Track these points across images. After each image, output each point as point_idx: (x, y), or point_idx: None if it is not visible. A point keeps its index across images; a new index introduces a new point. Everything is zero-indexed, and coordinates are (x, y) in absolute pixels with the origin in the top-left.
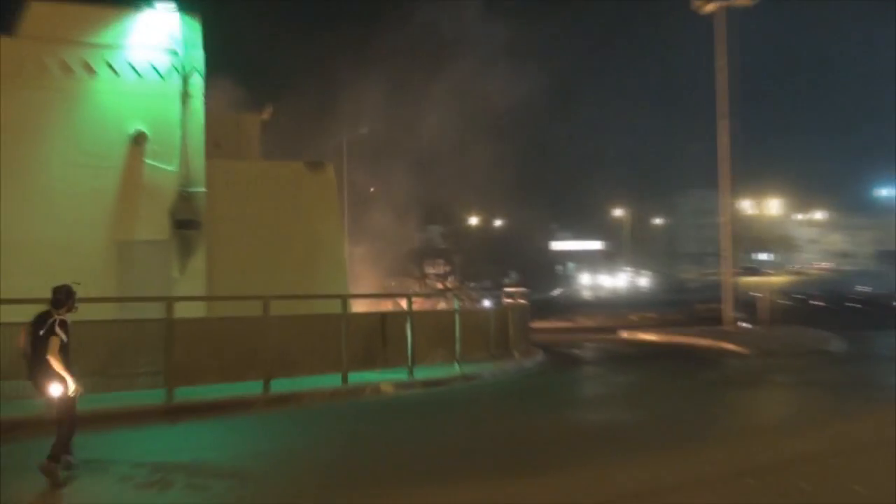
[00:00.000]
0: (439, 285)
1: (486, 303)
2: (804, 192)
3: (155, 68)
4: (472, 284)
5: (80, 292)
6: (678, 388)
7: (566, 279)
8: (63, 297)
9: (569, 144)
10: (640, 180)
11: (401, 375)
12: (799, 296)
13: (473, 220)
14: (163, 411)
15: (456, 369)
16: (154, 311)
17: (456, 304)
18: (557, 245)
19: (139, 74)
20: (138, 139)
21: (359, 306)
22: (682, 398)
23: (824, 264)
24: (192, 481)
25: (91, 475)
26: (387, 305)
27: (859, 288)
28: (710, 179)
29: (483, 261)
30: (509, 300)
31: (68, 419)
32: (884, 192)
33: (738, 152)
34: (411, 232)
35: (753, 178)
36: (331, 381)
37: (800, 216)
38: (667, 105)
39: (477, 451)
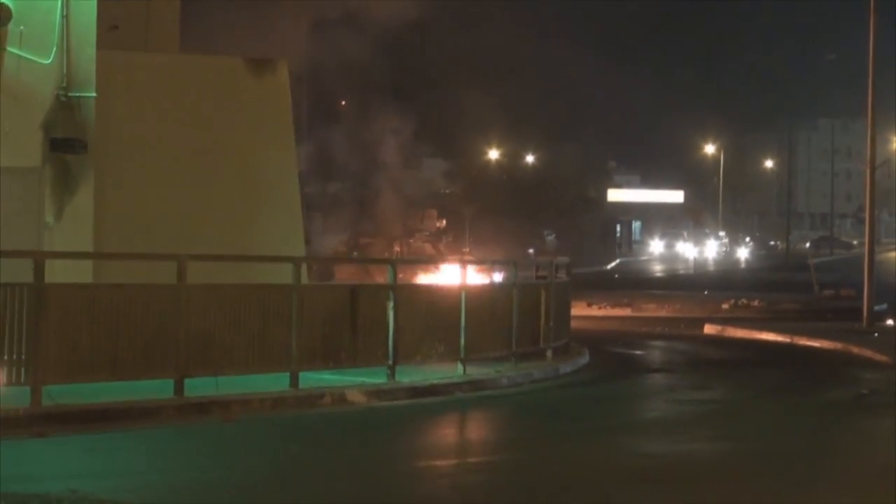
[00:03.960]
0: (428, 248)
1: (497, 276)
2: None
3: None
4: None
5: None
6: (785, 411)
7: (628, 245)
8: None
9: (641, 50)
10: (743, 104)
11: (377, 378)
12: None
13: (494, 155)
14: (26, 419)
15: (459, 372)
16: (15, 273)
17: (462, 278)
18: (617, 195)
19: None
20: None
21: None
22: (789, 425)
23: None
24: None
25: None
26: (358, 277)
27: None
28: (850, 103)
29: (506, 215)
30: (542, 275)
31: None
32: None
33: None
34: (399, 170)
35: None
36: (274, 382)
37: None
38: None
39: (488, 496)
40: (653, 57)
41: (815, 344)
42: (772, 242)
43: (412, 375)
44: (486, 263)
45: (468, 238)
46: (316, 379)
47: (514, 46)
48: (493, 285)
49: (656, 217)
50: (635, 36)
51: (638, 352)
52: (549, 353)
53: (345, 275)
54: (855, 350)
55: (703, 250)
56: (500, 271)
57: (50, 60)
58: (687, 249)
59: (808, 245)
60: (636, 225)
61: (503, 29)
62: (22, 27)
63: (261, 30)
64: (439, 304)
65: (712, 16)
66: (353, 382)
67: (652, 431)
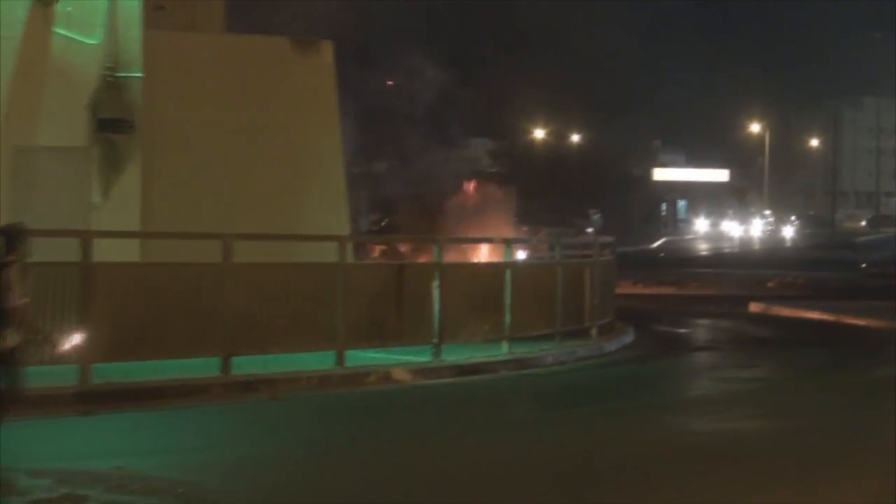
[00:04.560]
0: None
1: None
2: None
3: None
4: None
5: None
6: (830, 389)
7: (673, 224)
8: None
9: (686, 30)
10: (788, 83)
11: (422, 357)
12: None
13: (539, 134)
14: (74, 397)
15: (504, 350)
16: (63, 252)
17: (506, 256)
18: (662, 174)
19: None
20: None
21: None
22: (834, 403)
23: None
24: (111, 499)
25: None
26: (402, 256)
27: None
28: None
29: (550, 193)
30: (587, 253)
31: None
32: None
33: None
34: (443, 148)
35: None
36: (320, 361)
37: None
38: None
39: (526, 475)
40: (698, 37)
41: (861, 322)
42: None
43: (457, 353)
44: (528, 242)
45: (514, 217)
46: (361, 357)
47: (560, 26)
48: (537, 264)
49: (701, 196)
50: (681, 16)
51: (682, 330)
52: (593, 332)
53: (376, 252)
54: None
55: (748, 229)
56: (523, 250)
57: (97, 41)
58: (732, 228)
59: (863, 223)
60: (681, 204)
61: (549, 8)
62: (69, 8)
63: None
64: (484, 282)
65: None
66: (399, 361)
67: (697, 409)
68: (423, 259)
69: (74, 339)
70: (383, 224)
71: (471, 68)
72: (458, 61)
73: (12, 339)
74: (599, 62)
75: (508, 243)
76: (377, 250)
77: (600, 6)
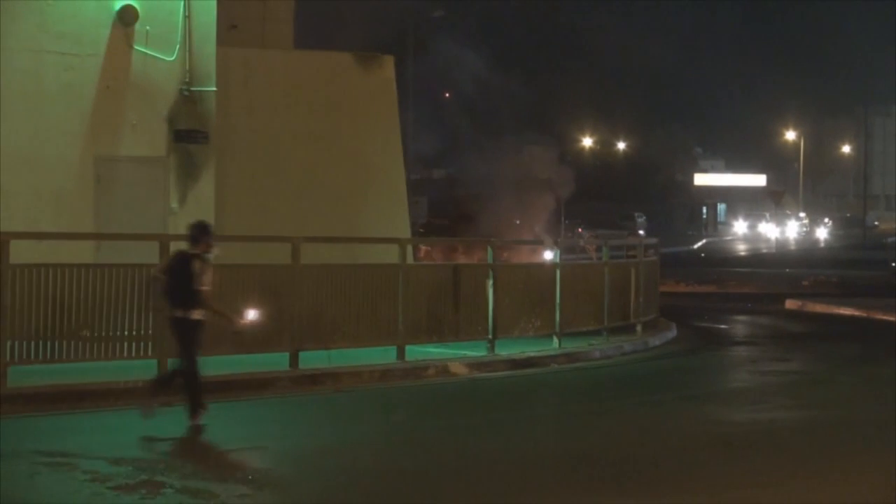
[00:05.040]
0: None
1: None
2: None
3: None
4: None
5: (46, 224)
6: (863, 381)
7: (713, 226)
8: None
9: (725, 41)
10: (821, 91)
11: (478, 351)
12: None
13: (588, 142)
14: (154, 390)
15: (554, 345)
16: (142, 254)
17: (556, 256)
18: (703, 179)
19: None
20: (126, 17)
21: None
22: (867, 394)
23: None
24: (188, 485)
25: (54, 473)
26: (460, 258)
27: None
28: None
29: (598, 197)
30: (632, 254)
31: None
32: None
33: None
34: (503, 155)
35: None
36: (382, 355)
37: None
38: None
39: (577, 465)
40: (737, 49)
41: (891, 318)
42: (875, 223)
43: (510, 348)
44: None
45: (563, 220)
46: (420, 352)
47: (606, 39)
48: (586, 264)
49: (740, 200)
50: (720, 29)
51: (723, 326)
52: (638, 328)
53: (422, 254)
54: None
55: (784, 231)
56: (549, 250)
57: (173, 58)
58: (769, 230)
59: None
60: (721, 207)
61: (595, 21)
62: (147, 27)
63: (366, 19)
64: (535, 281)
65: (791, 6)
66: (456, 355)
67: (736, 400)
68: (469, 259)
69: (251, 316)
70: (421, 230)
71: (523, 78)
72: (512, 72)
73: (198, 315)
74: (644, 74)
75: (556, 245)
76: (422, 251)
77: (644, 20)
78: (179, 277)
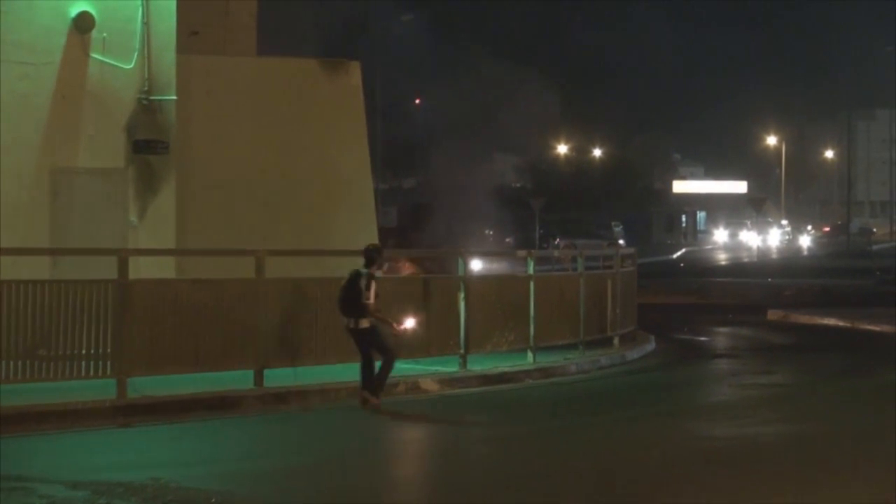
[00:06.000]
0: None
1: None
2: None
3: None
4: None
5: (0, 240)
6: (847, 394)
7: (693, 235)
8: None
9: (705, 47)
10: (802, 97)
11: (449, 367)
12: None
13: (563, 149)
14: (111, 410)
15: (528, 360)
16: (101, 270)
17: (530, 269)
18: (682, 186)
19: None
20: (82, 24)
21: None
22: (851, 408)
23: None
24: None
25: (9, 498)
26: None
27: None
28: None
29: (573, 207)
30: (609, 265)
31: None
32: None
33: None
34: (471, 165)
35: None
36: (349, 372)
37: None
38: None
39: (554, 483)
40: (716, 54)
41: (876, 328)
42: (874, 230)
43: (483, 363)
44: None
45: (538, 230)
46: None
47: (581, 46)
48: (560, 275)
49: (720, 207)
50: (699, 34)
51: (703, 338)
52: (616, 341)
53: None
54: None
55: (766, 239)
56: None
57: (132, 65)
58: (750, 238)
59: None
60: (701, 215)
61: (573, 26)
62: (105, 34)
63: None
64: (508, 294)
65: (772, 11)
66: (426, 371)
67: (718, 415)
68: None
69: (410, 324)
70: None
71: (496, 85)
72: (484, 80)
73: (365, 324)
74: (623, 81)
75: (531, 256)
76: (405, 265)
77: (620, 26)
78: (350, 293)
